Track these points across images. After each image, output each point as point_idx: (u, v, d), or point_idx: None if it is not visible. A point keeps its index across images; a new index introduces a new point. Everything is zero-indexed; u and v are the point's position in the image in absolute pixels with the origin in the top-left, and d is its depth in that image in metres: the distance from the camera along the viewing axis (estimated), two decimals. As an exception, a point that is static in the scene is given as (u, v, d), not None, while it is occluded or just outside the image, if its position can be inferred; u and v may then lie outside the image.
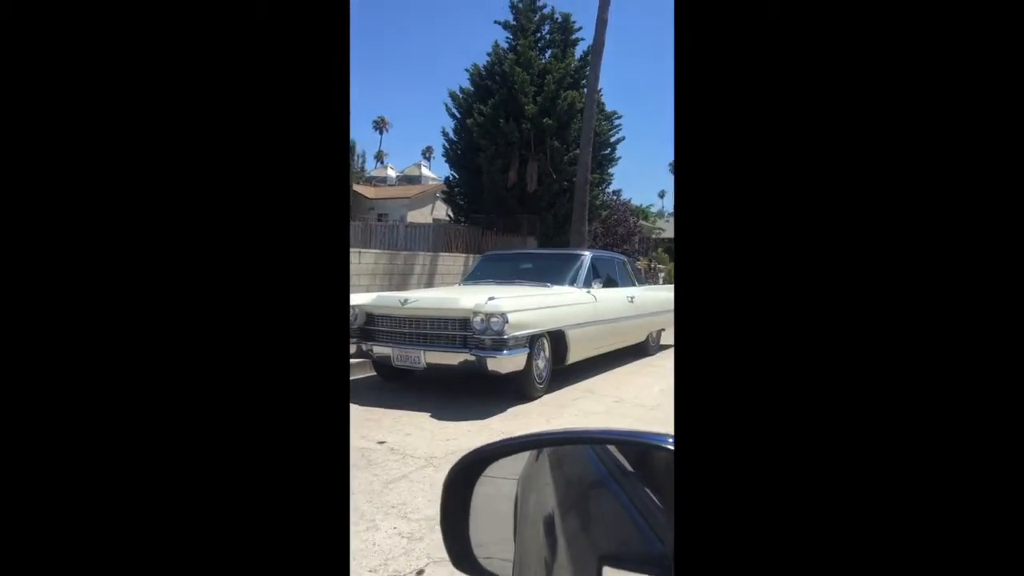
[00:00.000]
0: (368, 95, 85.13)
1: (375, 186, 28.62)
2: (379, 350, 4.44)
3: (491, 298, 4.01)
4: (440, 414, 3.88)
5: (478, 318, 3.97)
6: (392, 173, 41.07)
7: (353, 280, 9.23)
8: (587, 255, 5.62)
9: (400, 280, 10.13)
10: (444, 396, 4.42)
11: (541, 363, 4.44)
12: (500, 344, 3.95)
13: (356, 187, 22.55)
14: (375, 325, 4.54)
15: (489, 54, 14.66)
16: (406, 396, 4.43)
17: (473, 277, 5.85)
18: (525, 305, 4.22)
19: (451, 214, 16.07)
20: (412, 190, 25.26)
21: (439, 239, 13.58)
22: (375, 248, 11.76)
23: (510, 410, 4.02)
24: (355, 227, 14.90)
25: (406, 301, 4.36)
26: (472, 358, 3.99)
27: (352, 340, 4.54)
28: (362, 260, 9.58)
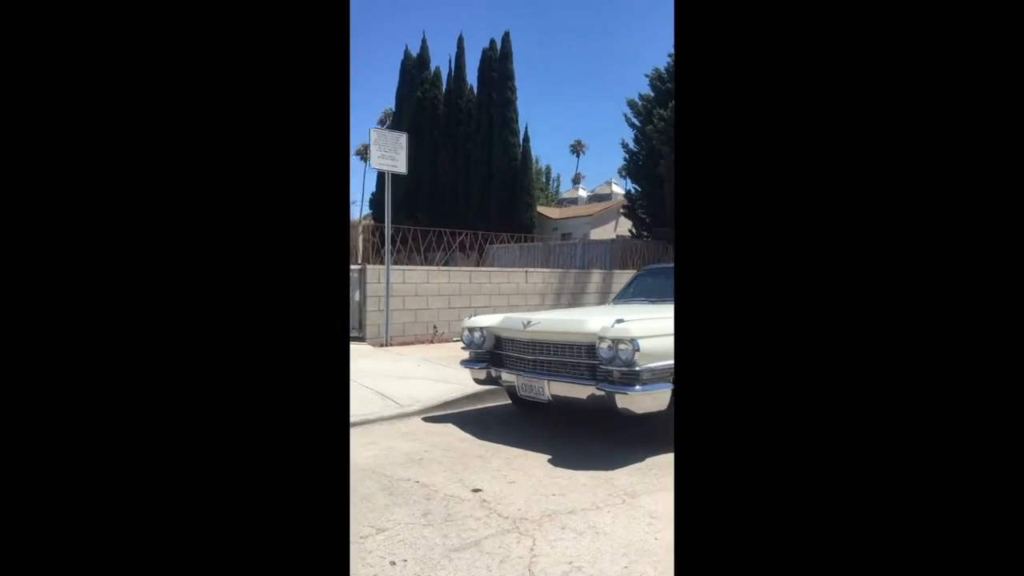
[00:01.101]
0: (566, 121, 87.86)
1: (562, 207, 28.90)
2: (507, 377, 4.00)
3: (619, 321, 3.30)
4: (561, 458, 3.28)
5: (604, 344, 3.29)
6: (583, 193, 41.36)
7: (520, 300, 9.08)
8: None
9: (570, 299, 9.72)
10: (578, 433, 3.80)
11: (695, 401, 3.57)
12: (631, 377, 3.22)
13: (540, 208, 22.96)
14: (503, 349, 4.12)
15: (671, 55, 13.68)
16: (534, 431, 3.91)
17: (625, 295, 5.13)
18: (666, 329, 3.41)
19: (633, 229, 15.25)
20: (595, 208, 24.98)
21: (617, 255, 12.90)
22: (552, 268, 11.57)
23: (648, 460, 3.24)
24: (535, 247, 15.01)
25: (529, 323, 3.85)
26: (601, 393, 3.32)
27: (481, 366, 4.18)
28: (529, 279, 9.39)
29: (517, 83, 20.96)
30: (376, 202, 25.44)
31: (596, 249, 14.08)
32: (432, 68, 23.96)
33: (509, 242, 12.76)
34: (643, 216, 14.66)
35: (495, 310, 8.36)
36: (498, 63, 21.02)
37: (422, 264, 9.16)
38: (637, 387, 3.21)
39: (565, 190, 44.96)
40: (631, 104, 14.04)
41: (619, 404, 3.23)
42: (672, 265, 5.55)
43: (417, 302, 7.95)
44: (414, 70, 24.07)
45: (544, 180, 41.57)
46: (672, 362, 3.33)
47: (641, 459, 3.25)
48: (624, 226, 18.60)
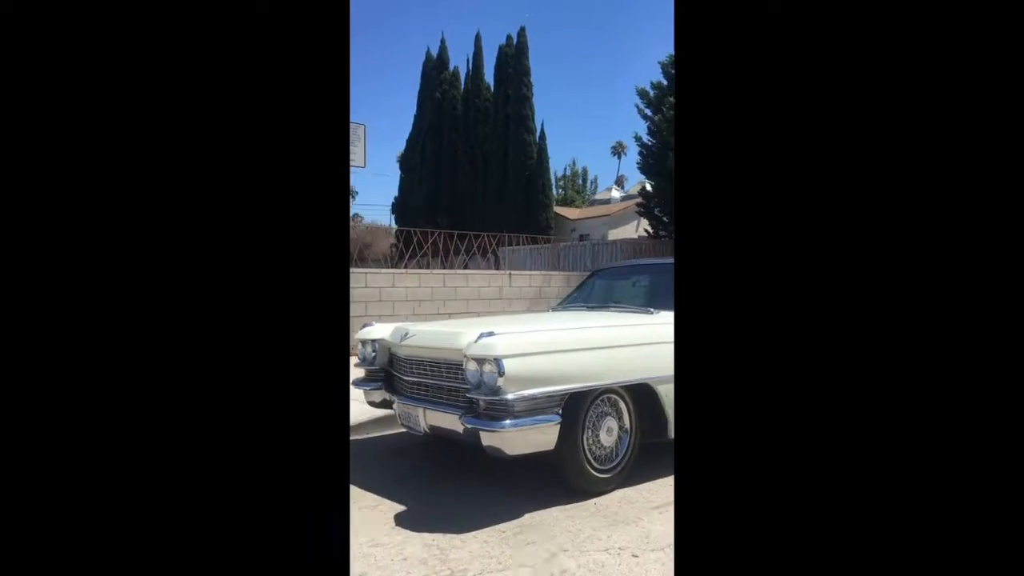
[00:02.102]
0: (607, 123, 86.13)
1: (584, 207, 27.98)
2: (397, 402, 3.29)
3: (484, 334, 2.54)
4: (416, 512, 2.55)
5: (470, 366, 2.54)
6: (616, 194, 40.14)
7: (502, 305, 8.34)
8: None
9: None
10: (474, 471, 3.05)
11: (607, 438, 2.77)
12: (499, 409, 2.45)
13: (558, 209, 22.12)
14: (392, 367, 3.41)
15: (684, 40, 12.64)
16: (420, 468, 3.19)
17: (570, 300, 4.34)
18: (557, 343, 2.63)
19: (649, 228, 14.25)
20: (613, 208, 23.99)
21: (628, 256, 11.97)
22: (555, 270, 10.80)
23: (528, 517, 2.47)
24: (543, 249, 14.26)
25: (406, 335, 3.13)
26: (469, 426, 2.56)
27: (376, 386, 3.47)
28: (514, 283, 8.63)
29: (533, 79, 20.21)
30: (397, 206, 25.16)
31: (608, 250, 13.21)
32: (451, 68, 23.51)
33: (517, 244, 12.13)
34: (659, 214, 13.65)
35: (470, 316, 7.66)
36: (513, 59, 20.33)
37: (440, 269, 8.55)
38: (507, 422, 2.44)
39: (602, 190, 43.85)
40: (642, 94, 13.05)
41: (484, 443, 2.46)
42: (627, 264, 4.69)
43: (381, 308, 7.32)
44: (433, 71, 23.67)
45: (580, 182, 40.58)
46: (564, 387, 2.54)
47: (519, 515, 2.48)
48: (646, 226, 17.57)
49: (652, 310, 3.39)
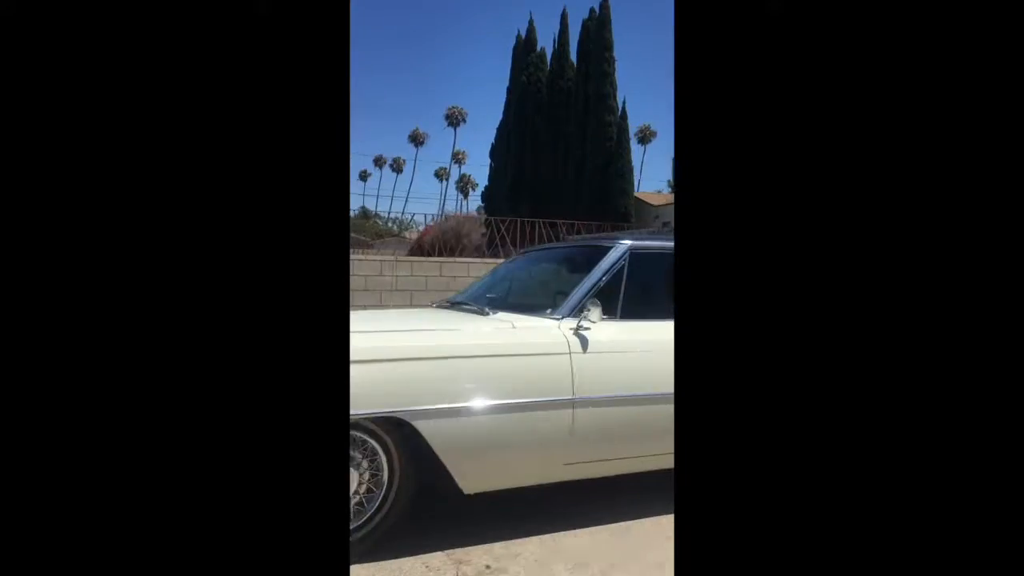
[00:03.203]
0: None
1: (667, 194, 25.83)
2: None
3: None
4: None
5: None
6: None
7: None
8: (621, 248, 2.58)
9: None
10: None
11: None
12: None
13: (639, 194, 20.47)
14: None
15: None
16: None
17: (462, 294, 3.49)
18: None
19: (729, 212, 12.53)
20: (700, 189, 21.71)
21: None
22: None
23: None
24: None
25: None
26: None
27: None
28: (525, 272, 7.79)
29: (616, 53, 18.72)
30: (486, 195, 24.92)
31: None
32: (538, 49, 22.65)
33: (593, 232, 11.54)
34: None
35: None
36: (595, 33, 18.98)
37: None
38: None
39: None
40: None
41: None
42: (548, 247, 3.68)
43: (367, 298, 6.86)
44: (522, 54, 23.00)
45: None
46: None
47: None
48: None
49: (488, 310, 2.49)
